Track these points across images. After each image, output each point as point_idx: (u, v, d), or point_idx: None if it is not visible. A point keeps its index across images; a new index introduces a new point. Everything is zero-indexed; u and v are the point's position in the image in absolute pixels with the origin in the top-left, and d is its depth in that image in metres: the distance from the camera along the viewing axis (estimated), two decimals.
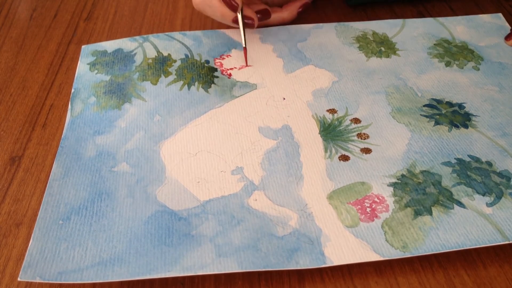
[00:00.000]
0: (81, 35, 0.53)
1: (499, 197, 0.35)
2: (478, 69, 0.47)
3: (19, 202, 0.37)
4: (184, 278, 0.32)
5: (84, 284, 0.32)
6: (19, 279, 0.30)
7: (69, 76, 0.48)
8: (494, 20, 0.54)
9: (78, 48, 0.51)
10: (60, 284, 0.32)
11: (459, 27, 0.53)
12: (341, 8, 0.57)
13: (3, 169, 0.39)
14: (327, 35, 0.52)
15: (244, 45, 0.47)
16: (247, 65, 0.48)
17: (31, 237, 0.33)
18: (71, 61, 0.50)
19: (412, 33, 0.52)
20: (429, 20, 0.54)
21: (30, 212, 0.36)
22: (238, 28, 0.48)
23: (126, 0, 0.59)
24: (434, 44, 0.50)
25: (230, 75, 0.47)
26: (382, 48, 0.50)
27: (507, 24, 0.53)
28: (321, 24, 0.53)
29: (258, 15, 0.50)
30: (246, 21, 0.49)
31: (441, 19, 0.54)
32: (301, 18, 0.55)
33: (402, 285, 0.31)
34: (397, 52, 0.49)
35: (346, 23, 0.53)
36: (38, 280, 0.30)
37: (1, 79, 0.48)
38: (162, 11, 0.57)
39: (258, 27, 0.53)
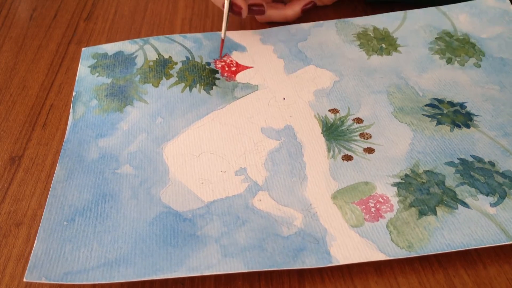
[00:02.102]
0: (81, 35, 0.53)
1: (502, 197, 0.35)
2: (479, 66, 0.47)
3: (19, 202, 0.37)
4: (184, 278, 0.32)
5: (84, 284, 0.32)
6: (25, 280, 0.30)
7: (69, 76, 0.48)
8: (499, 5, 0.53)
9: (78, 48, 0.51)
10: (60, 285, 0.32)
11: (462, 16, 0.52)
12: (340, 7, 0.57)
13: (3, 169, 0.39)
14: (328, 33, 0.52)
15: (222, 37, 0.47)
16: (220, 57, 0.47)
17: (36, 238, 0.33)
18: (71, 61, 0.50)
19: (414, 26, 0.52)
20: (431, 10, 0.53)
21: (30, 212, 0.36)
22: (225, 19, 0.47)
23: (126, 0, 0.59)
24: (436, 38, 0.50)
25: (231, 76, 0.47)
26: (383, 45, 0.50)
27: (511, 8, 0.52)
28: (321, 22, 0.53)
29: (253, 8, 0.49)
30: (234, 8, 0.48)
31: (443, 7, 0.53)
32: (301, 16, 0.55)
33: (402, 285, 0.32)
34: (398, 48, 0.49)
35: (346, 20, 0.53)
36: (44, 280, 0.30)
37: (1, 79, 0.48)
38: (162, 11, 0.57)
39: (262, 22, 0.53)
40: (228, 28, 0.54)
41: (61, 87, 0.47)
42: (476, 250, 0.33)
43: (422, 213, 0.34)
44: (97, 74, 0.47)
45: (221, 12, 0.57)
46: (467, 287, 0.31)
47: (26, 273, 0.30)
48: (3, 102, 0.45)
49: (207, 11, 0.57)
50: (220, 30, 0.53)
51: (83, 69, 0.48)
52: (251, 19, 0.56)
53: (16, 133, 0.42)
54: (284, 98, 0.44)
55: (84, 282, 0.30)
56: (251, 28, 0.54)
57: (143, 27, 0.55)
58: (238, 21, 0.55)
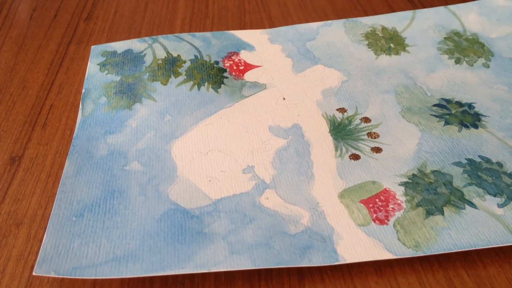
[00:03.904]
0: (81, 35, 0.54)
1: (510, 198, 0.35)
2: (488, 66, 0.47)
3: (19, 202, 0.37)
4: (184, 278, 0.32)
5: (85, 280, 0.32)
6: (34, 273, 0.30)
7: (69, 76, 0.48)
8: (509, 3, 0.53)
9: (78, 48, 0.51)
10: (62, 279, 0.32)
11: (471, 15, 0.52)
12: (340, 8, 0.57)
13: (3, 169, 0.39)
14: (336, 33, 0.52)
15: None
16: None
17: (45, 233, 0.33)
18: (71, 61, 0.50)
19: (422, 25, 0.52)
20: (440, 9, 0.53)
21: (30, 212, 0.36)
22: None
23: (126, 0, 0.60)
24: (445, 38, 0.50)
25: (239, 75, 0.47)
26: (391, 45, 0.50)
27: None
28: (329, 21, 0.53)
29: None
30: None
31: (452, 7, 0.53)
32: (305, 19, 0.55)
33: (402, 285, 0.32)
34: (406, 48, 0.49)
35: (355, 19, 0.53)
36: (53, 274, 0.31)
37: (1, 79, 0.48)
38: (162, 11, 0.57)
39: None
40: (232, 28, 0.54)
41: (61, 87, 0.47)
42: (476, 250, 0.33)
43: (429, 213, 0.34)
44: (106, 71, 0.47)
45: (221, 12, 0.57)
46: (467, 287, 0.31)
47: (35, 267, 0.31)
48: (3, 102, 0.45)
49: (207, 11, 0.57)
50: (221, 29, 0.53)
51: (92, 67, 0.48)
52: (251, 19, 0.56)
53: (16, 133, 0.42)
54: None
55: (93, 277, 0.31)
56: (253, 28, 0.54)
57: (143, 27, 0.55)
58: (239, 21, 0.55)
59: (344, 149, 0.39)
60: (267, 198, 0.36)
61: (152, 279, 0.32)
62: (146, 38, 0.51)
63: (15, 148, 0.41)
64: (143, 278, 0.32)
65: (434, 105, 0.43)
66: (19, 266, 0.33)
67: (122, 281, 0.32)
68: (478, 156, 0.38)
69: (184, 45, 0.50)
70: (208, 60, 0.49)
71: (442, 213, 0.34)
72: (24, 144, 0.41)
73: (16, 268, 0.33)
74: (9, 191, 0.38)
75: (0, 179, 0.38)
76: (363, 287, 0.31)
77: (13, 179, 0.38)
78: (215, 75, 0.47)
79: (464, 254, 0.33)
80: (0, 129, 0.43)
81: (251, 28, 0.54)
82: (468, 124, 0.41)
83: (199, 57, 0.49)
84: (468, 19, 0.52)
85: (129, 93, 0.45)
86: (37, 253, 0.33)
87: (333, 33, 0.52)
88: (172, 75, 0.47)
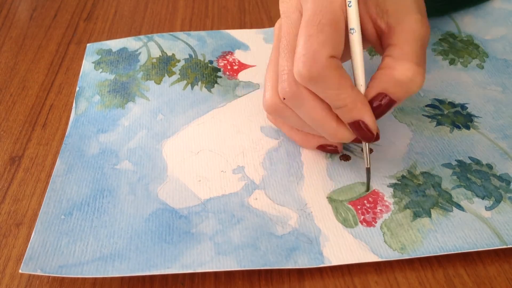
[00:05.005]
0: (81, 35, 0.54)
1: (498, 201, 0.35)
2: (482, 67, 0.47)
3: (19, 202, 0.37)
4: (184, 277, 0.32)
5: (85, 280, 0.32)
6: (20, 271, 0.31)
7: (69, 76, 0.48)
8: (505, 5, 0.53)
9: (78, 48, 0.52)
10: (62, 279, 0.32)
11: (467, 17, 0.52)
12: None
13: (3, 169, 0.39)
14: None
15: (366, 165, 0.36)
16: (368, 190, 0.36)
17: (33, 231, 0.33)
18: (71, 61, 0.50)
19: None
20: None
21: (30, 212, 0.36)
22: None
23: (126, 0, 0.60)
24: (439, 40, 0.50)
25: (233, 75, 0.47)
26: None
27: None
28: None
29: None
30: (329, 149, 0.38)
31: None
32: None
33: (402, 285, 0.32)
34: None
35: None
36: (39, 272, 0.31)
37: (1, 79, 0.48)
38: (162, 11, 0.57)
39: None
40: (230, 27, 0.54)
41: (61, 87, 0.47)
42: (476, 250, 0.33)
43: (416, 215, 0.34)
44: (100, 70, 0.47)
45: (221, 12, 0.57)
46: (467, 287, 0.31)
47: (21, 265, 0.31)
48: (3, 102, 0.46)
49: (207, 11, 0.57)
50: (220, 30, 0.53)
51: (87, 65, 0.48)
52: (251, 19, 0.56)
53: (16, 133, 0.43)
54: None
55: (79, 276, 0.31)
56: (253, 28, 0.54)
57: (143, 27, 0.55)
58: (239, 21, 0.55)
59: None
60: (256, 199, 0.36)
61: (152, 279, 0.32)
62: (142, 36, 0.51)
63: (15, 148, 0.41)
64: (143, 278, 0.32)
65: (426, 106, 0.43)
66: (19, 266, 0.33)
67: (122, 280, 0.32)
68: (468, 157, 0.38)
69: (179, 44, 0.50)
70: (202, 59, 0.49)
71: (430, 216, 0.34)
72: (24, 144, 0.42)
73: (16, 268, 0.33)
74: (9, 191, 0.38)
75: (0, 179, 0.39)
76: (363, 286, 0.32)
77: (13, 179, 0.39)
78: (209, 74, 0.47)
79: (464, 254, 0.33)
80: (0, 129, 0.43)
81: (251, 28, 0.54)
82: (460, 125, 0.41)
83: (193, 56, 0.49)
84: (464, 20, 0.52)
85: (123, 92, 0.45)
86: None
87: None
88: (166, 74, 0.47)
